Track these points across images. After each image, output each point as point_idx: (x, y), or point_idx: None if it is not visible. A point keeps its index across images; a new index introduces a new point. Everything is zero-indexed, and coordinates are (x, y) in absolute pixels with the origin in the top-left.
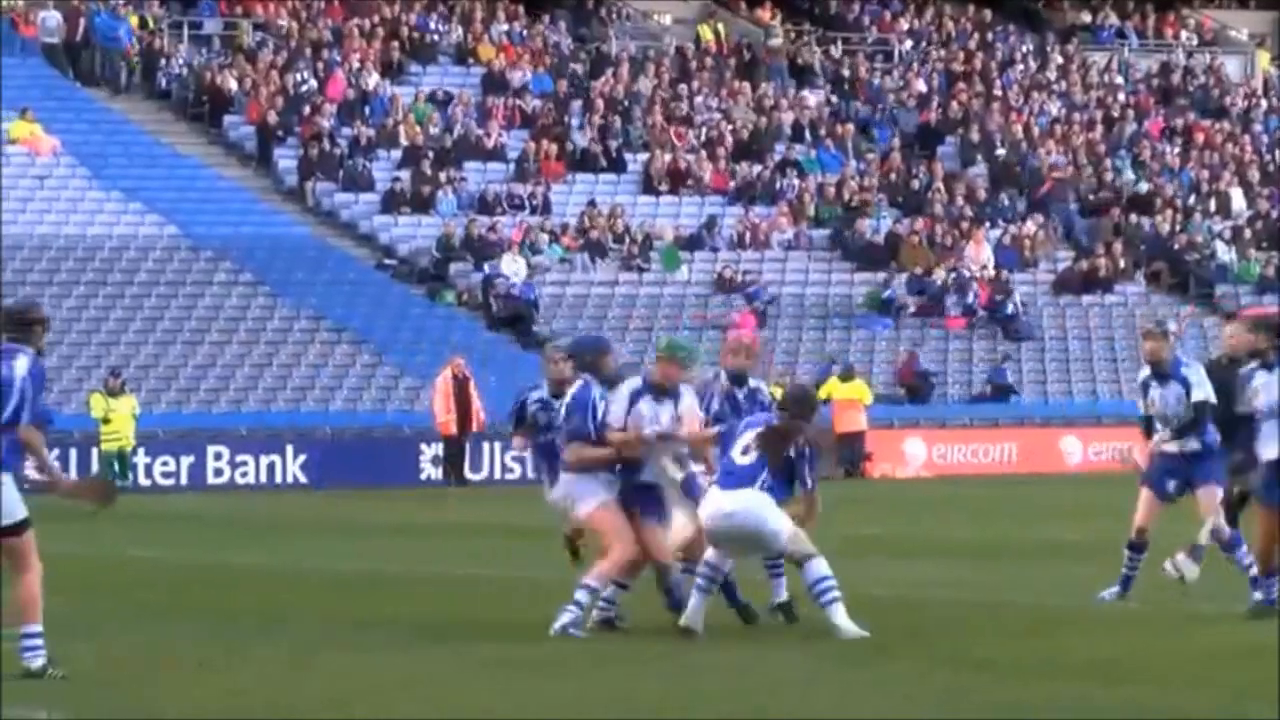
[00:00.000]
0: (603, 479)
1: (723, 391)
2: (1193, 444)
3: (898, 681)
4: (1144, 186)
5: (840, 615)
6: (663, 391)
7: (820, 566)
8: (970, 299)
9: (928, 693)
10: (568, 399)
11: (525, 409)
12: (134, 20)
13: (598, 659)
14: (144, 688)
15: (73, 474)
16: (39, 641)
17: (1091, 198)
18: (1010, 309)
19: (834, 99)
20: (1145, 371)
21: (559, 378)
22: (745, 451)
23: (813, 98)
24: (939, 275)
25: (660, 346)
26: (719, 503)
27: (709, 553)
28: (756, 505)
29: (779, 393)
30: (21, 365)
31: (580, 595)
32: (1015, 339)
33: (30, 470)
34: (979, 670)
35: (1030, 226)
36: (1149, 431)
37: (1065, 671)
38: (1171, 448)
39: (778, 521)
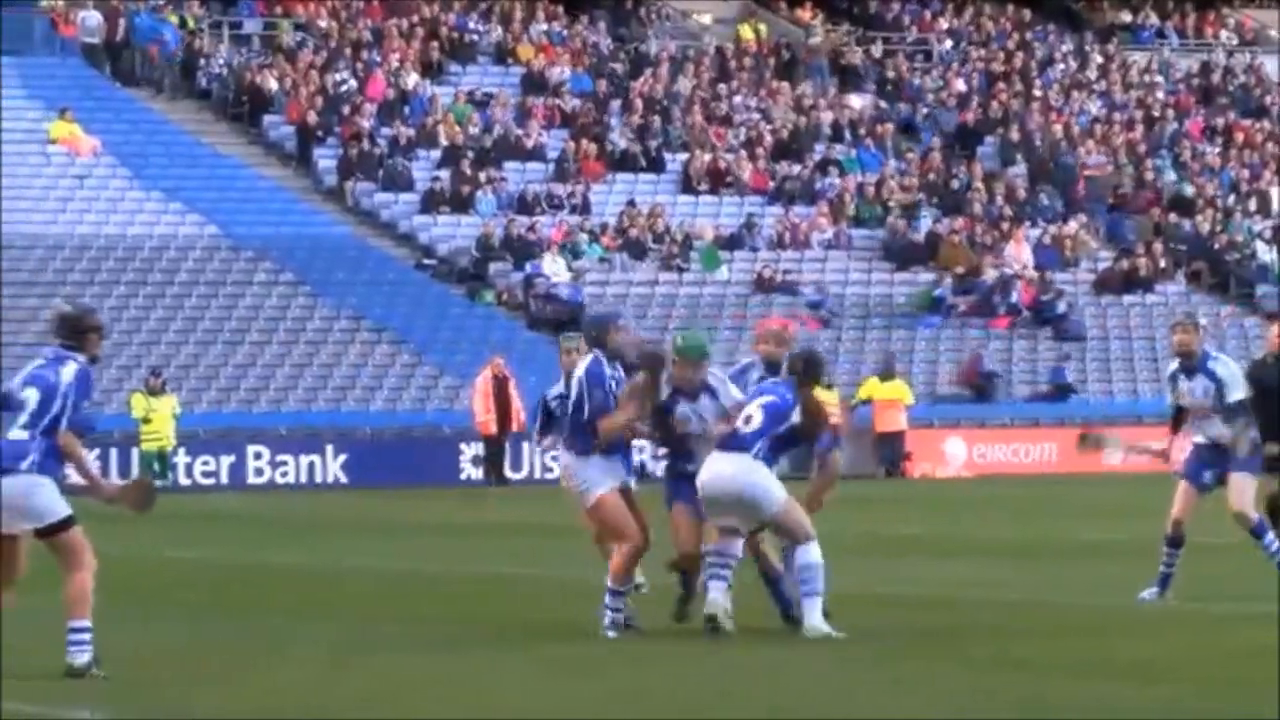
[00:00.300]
0: (611, 467)
1: (757, 381)
2: (1224, 433)
3: (934, 681)
4: (1188, 190)
5: (814, 612)
6: (689, 392)
7: (813, 552)
8: (1014, 298)
9: (964, 692)
10: (581, 375)
11: (548, 407)
12: (171, 20)
13: (633, 658)
14: (184, 687)
15: (113, 474)
16: (86, 638)
17: (1115, 194)
18: (1061, 308)
19: (882, 103)
20: (1174, 364)
21: (574, 370)
22: (748, 420)
23: (859, 101)
24: (989, 275)
25: (673, 349)
26: (717, 465)
27: (715, 538)
28: (751, 469)
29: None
30: (68, 373)
31: (610, 600)
32: (1065, 339)
33: (73, 475)
34: (1017, 669)
35: (1073, 226)
36: (1177, 424)
37: (1103, 671)
38: (1204, 438)
39: (772, 488)
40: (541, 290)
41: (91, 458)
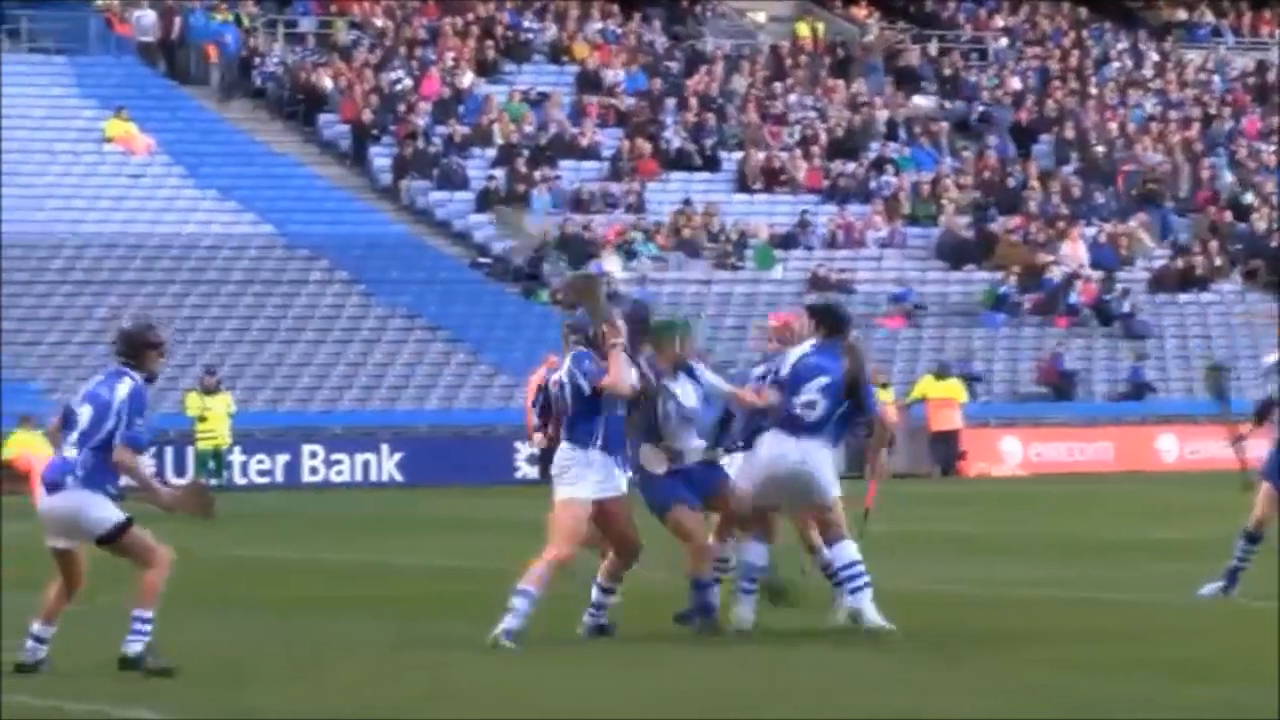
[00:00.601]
0: (608, 474)
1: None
2: None
3: (988, 680)
4: (1249, 198)
5: (869, 605)
6: (666, 372)
7: (852, 548)
8: (1075, 297)
9: (1020, 691)
10: (569, 357)
11: (548, 393)
12: (221, 16)
13: (680, 657)
14: (239, 686)
15: (169, 472)
16: (145, 628)
17: (1137, 191)
18: (1126, 307)
19: (947, 104)
20: (1273, 356)
21: None
22: (811, 405)
23: (925, 102)
24: (1055, 273)
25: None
26: (784, 447)
27: (715, 547)
28: (819, 457)
29: None
30: (123, 390)
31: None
32: (1131, 337)
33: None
34: (1072, 669)
35: (1133, 224)
36: (1261, 418)
37: (1157, 669)
38: None
39: (832, 480)
40: (607, 290)
41: (149, 465)
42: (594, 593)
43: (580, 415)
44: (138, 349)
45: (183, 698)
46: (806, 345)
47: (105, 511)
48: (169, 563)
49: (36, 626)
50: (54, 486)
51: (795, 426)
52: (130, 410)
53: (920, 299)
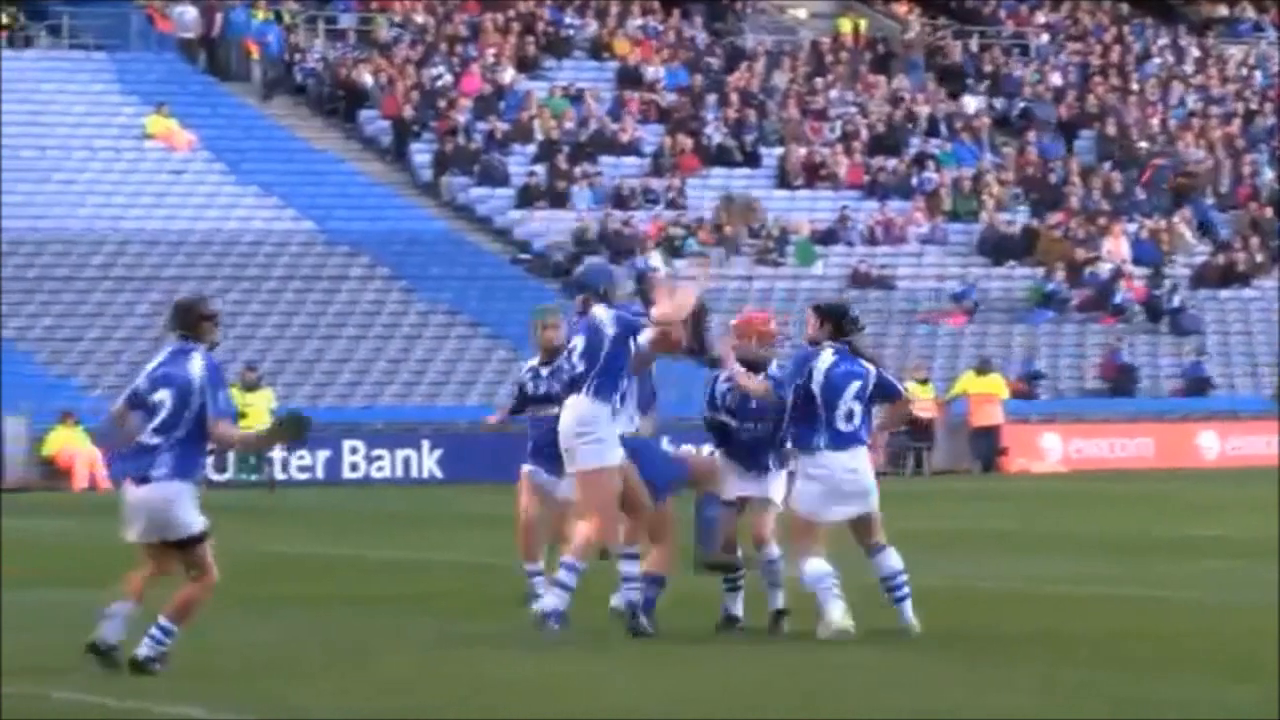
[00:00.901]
0: (616, 434)
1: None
2: None
3: (1028, 678)
4: None
5: (909, 611)
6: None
7: (897, 555)
8: (1122, 293)
9: (1063, 689)
10: (609, 316)
11: (522, 387)
12: (263, 14)
13: (722, 657)
14: (281, 682)
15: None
16: (166, 640)
17: (1167, 185)
18: (1175, 302)
19: (995, 104)
20: None
21: (550, 345)
22: (850, 415)
23: (973, 102)
24: (1103, 269)
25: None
26: (841, 460)
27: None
28: (868, 466)
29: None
30: (197, 366)
31: (562, 575)
32: (1181, 333)
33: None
34: (1111, 666)
35: (1177, 220)
36: None
37: (1199, 668)
38: None
39: (876, 487)
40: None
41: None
42: (622, 565)
43: (610, 370)
44: (195, 320)
45: (226, 694)
46: (828, 352)
47: (194, 514)
48: (213, 587)
49: (117, 605)
50: (143, 478)
51: (843, 439)
52: (213, 383)
53: (980, 296)
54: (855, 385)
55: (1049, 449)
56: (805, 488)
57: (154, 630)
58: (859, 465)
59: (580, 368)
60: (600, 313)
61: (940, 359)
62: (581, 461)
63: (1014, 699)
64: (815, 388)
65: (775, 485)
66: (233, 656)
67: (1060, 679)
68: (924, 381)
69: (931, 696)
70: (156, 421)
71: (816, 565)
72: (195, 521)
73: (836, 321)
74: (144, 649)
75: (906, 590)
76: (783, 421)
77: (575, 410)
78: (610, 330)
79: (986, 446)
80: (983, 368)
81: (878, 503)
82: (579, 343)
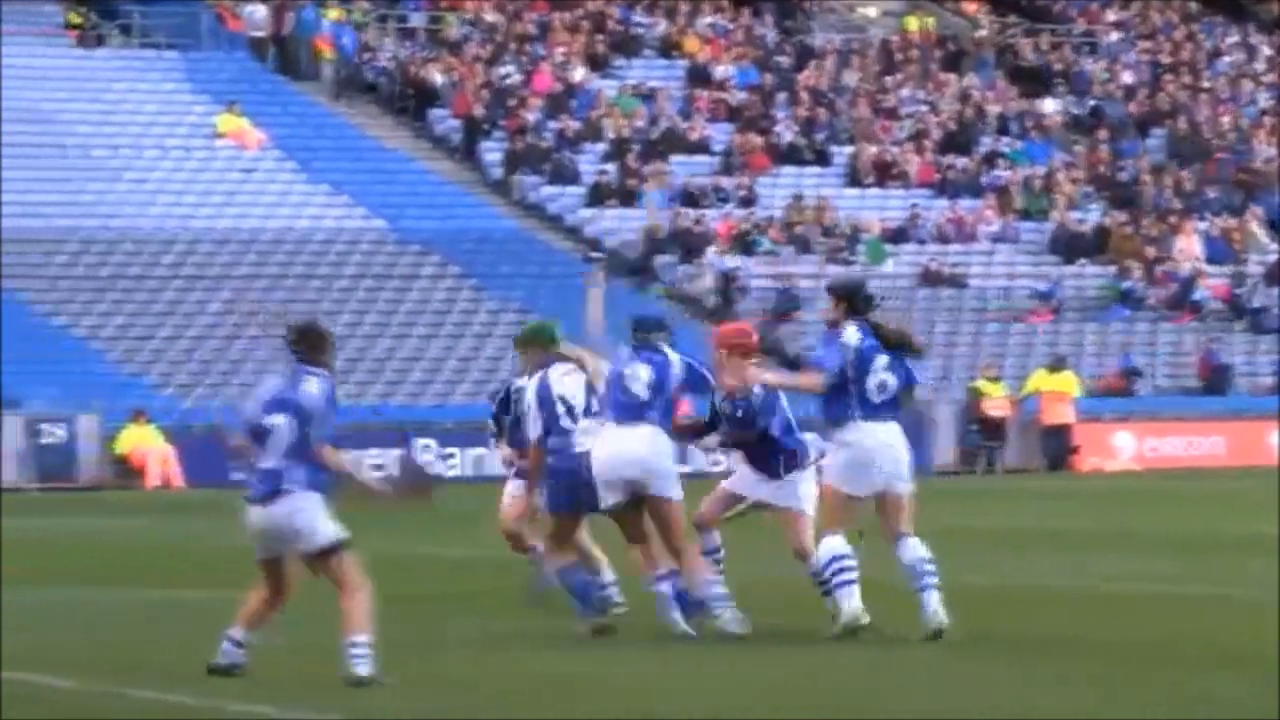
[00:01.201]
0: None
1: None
2: None
3: (1082, 677)
4: None
5: (934, 599)
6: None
7: (923, 548)
8: (1199, 292)
9: (1131, 686)
10: (679, 358)
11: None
12: (335, 14)
13: (772, 655)
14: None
15: None
16: (363, 651)
17: (1232, 179)
18: (1257, 301)
19: (1067, 102)
20: None
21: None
22: (883, 386)
23: (1051, 105)
24: (1183, 266)
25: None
26: (876, 432)
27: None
28: (905, 444)
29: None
30: (315, 388)
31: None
32: (1261, 331)
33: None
34: (1169, 664)
35: (1248, 218)
36: None
37: (1257, 666)
38: None
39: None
40: (744, 284)
41: (362, 466)
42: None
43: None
44: (319, 344)
45: (296, 693)
46: (852, 328)
47: (327, 525)
48: (368, 591)
49: (236, 632)
50: (269, 496)
51: (877, 410)
52: (328, 409)
53: (1063, 294)
54: (884, 358)
55: (1122, 448)
56: (836, 458)
57: (351, 651)
58: (895, 441)
59: (644, 397)
60: (672, 356)
61: (1012, 357)
62: (671, 491)
63: (1069, 699)
64: (848, 361)
65: (794, 493)
66: (294, 655)
67: (1117, 678)
68: (995, 379)
69: (983, 697)
70: (274, 446)
71: (834, 544)
72: (329, 532)
73: (852, 299)
74: (358, 668)
75: (933, 580)
76: (765, 429)
77: (652, 440)
78: (678, 372)
79: (1057, 445)
80: (1055, 366)
81: (910, 490)
82: (643, 372)
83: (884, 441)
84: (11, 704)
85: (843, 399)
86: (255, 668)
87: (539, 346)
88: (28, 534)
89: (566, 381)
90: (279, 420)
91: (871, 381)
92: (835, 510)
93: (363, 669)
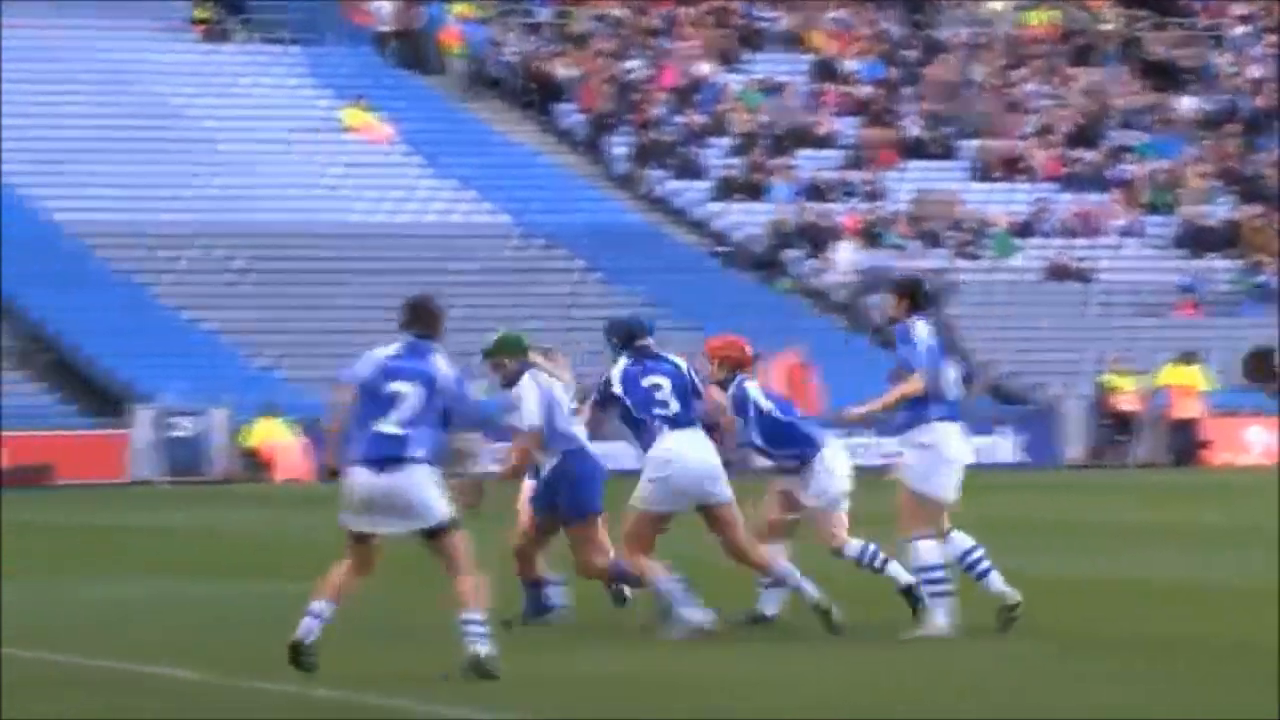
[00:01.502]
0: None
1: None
2: None
3: (1176, 675)
4: None
5: (998, 581)
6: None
7: (966, 537)
8: None
9: (1213, 686)
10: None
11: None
12: (462, 8)
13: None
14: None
15: None
16: (480, 630)
17: None
18: None
19: (1208, 108)
20: None
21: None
22: (954, 383)
23: (1187, 102)
24: None
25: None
26: (954, 435)
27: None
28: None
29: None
30: (443, 363)
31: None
32: None
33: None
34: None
35: None
36: None
37: None
38: None
39: None
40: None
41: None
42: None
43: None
44: (433, 321)
45: (437, 689)
46: (921, 324)
47: (442, 502)
48: (478, 574)
49: (318, 604)
50: (383, 463)
51: (951, 410)
52: (460, 390)
53: (1209, 289)
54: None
55: (1254, 442)
56: (912, 458)
57: (467, 628)
58: (967, 447)
59: (678, 406)
60: (680, 361)
61: (1141, 351)
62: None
63: (1164, 696)
64: (922, 361)
65: (808, 487)
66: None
67: (1215, 674)
68: (1124, 374)
69: (1079, 694)
70: (398, 414)
71: (929, 552)
72: (443, 508)
73: (914, 296)
74: (478, 646)
75: (988, 564)
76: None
77: (706, 446)
78: (689, 378)
79: (1184, 439)
80: (1185, 359)
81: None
82: (664, 382)
83: (963, 448)
84: (140, 696)
85: (917, 399)
86: (390, 660)
87: (515, 355)
88: (158, 527)
89: (556, 385)
90: (407, 389)
91: (944, 380)
92: (918, 514)
93: (481, 647)
